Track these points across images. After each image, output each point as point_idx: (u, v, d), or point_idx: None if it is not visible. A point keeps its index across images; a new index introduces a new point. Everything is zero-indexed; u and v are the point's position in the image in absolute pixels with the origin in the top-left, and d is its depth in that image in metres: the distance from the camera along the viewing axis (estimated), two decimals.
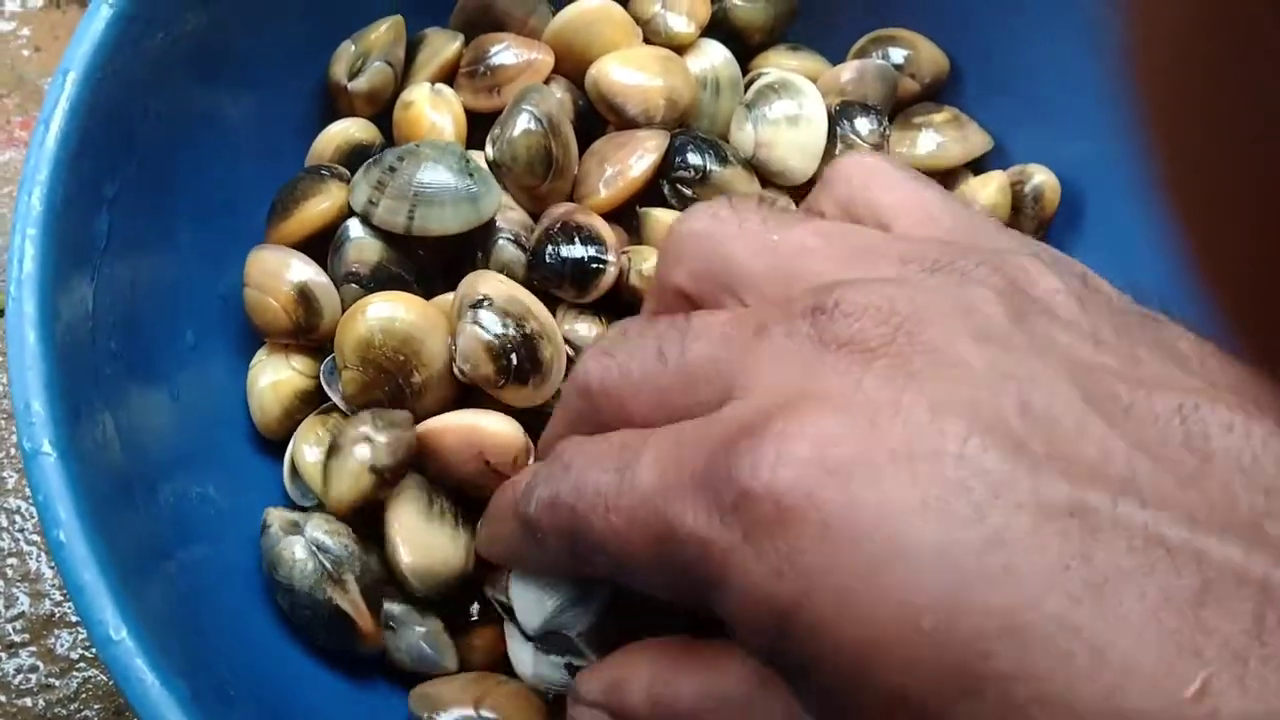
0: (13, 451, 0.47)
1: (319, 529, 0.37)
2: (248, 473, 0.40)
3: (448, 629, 0.38)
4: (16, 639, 0.44)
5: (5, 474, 0.46)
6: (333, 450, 0.37)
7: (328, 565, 0.36)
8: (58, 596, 0.45)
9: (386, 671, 0.38)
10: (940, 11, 0.48)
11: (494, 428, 0.37)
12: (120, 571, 0.29)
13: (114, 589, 0.28)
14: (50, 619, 0.44)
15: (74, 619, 0.44)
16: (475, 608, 0.39)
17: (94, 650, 0.44)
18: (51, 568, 0.45)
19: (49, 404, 0.29)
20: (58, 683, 0.43)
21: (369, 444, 0.36)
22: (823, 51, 0.49)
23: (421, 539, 0.37)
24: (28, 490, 0.46)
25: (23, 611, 0.44)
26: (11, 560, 0.45)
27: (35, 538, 0.45)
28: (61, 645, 0.44)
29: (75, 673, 0.43)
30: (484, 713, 0.36)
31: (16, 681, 0.43)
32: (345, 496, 0.36)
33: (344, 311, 0.39)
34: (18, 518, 0.46)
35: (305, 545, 0.36)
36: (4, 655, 0.43)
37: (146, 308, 0.36)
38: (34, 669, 0.43)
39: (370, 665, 0.38)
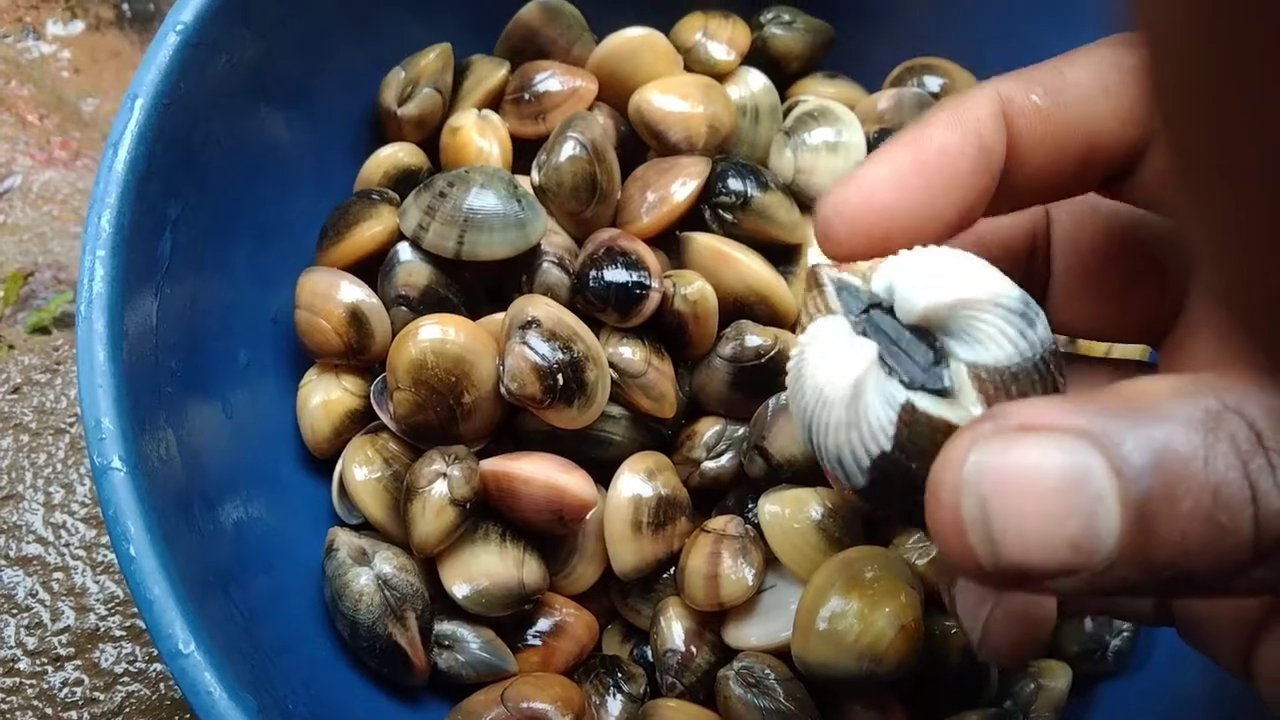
0: (59, 468, 0.48)
1: (388, 563, 0.38)
2: (296, 491, 0.41)
3: (500, 636, 0.39)
4: (63, 652, 0.44)
5: (53, 489, 0.47)
6: (410, 494, 0.38)
7: (392, 602, 0.37)
8: (103, 611, 0.45)
9: (433, 688, 0.39)
10: (975, 39, 0.49)
11: (574, 488, 0.38)
12: (187, 587, 0.29)
13: (182, 604, 0.29)
14: (95, 633, 0.45)
15: (119, 633, 0.45)
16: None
17: (138, 665, 0.44)
18: (97, 582, 0.46)
19: (118, 420, 0.30)
20: (102, 696, 0.44)
21: (444, 479, 0.37)
22: (859, 79, 0.50)
23: (470, 564, 0.38)
24: (74, 506, 0.47)
25: (68, 626, 0.45)
26: (58, 575, 0.46)
27: (81, 552, 0.46)
28: (106, 659, 0.44)
29: (120, 687, 0.44)
30: (509, 702, 0.37)
31: (62, 695, 0.43)
32: (432, 535, 0.37)
33: (394, 333, 0.40)
34: (64, 532, 0.46)
35: (372, 578, 0.37)
36: (50, 669, 0.44)
37: (204, 327, 0.37)
38: (79, 682, 0.44)
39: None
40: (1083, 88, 0.25)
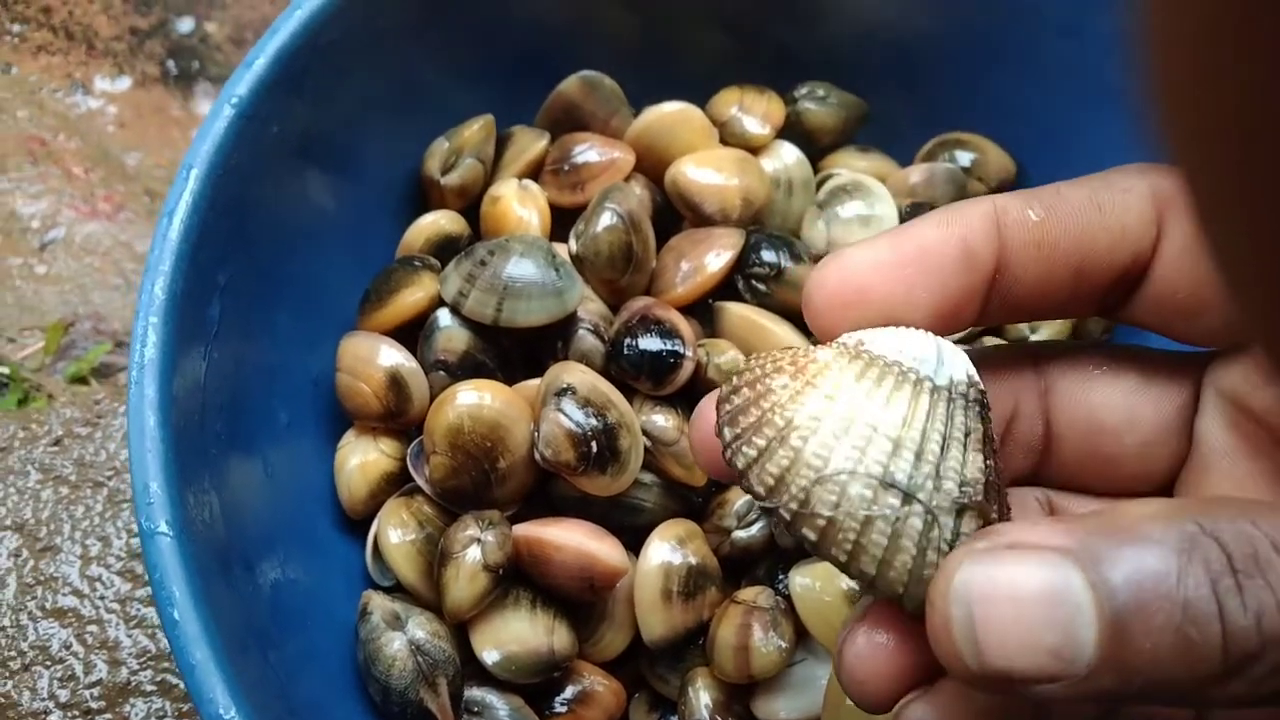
0: (97, 520, 0.48)
1: (421, 629, 0.38)
2: (331, 551, 0.41)
3: (527, 703, 0.39)
4: (94, 705, 0.45)
5: (90, 542, 0.48)
6: (444, 559, 0.38)
7: (424, 668, 0.37)
8: (135, 665, 0.46)
9: None
10: (1007, 115, 0.50)
11: (606, 556, 0.39)
12: (227, 650, 0.30)
13: (223, 668, 0.29)
14: (127, 687, 0.45)
15: (149, 688, 0.45)
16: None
17: None
18: (130, 636, 0.46)
19: (166, 485, 0.31)
20: None
21: (479, 545, 0.38)
22: (891, 153, 0.50)
23: (501, 630, 0.38)
24: (110, 559, 0.47)
25: (100, 679, 0.45)
26: (91, 628, 0.46)
27: (115, 606, 0.47)
28: (137, 714, 0.45)
29: None
30: None
31: None
32: (465, 601, 0.38)
33: (432, 398, 0.41)
34: (99, 585, 0.47)
35: (405, 644, 0.37)
36: None
37: (248, 390, 0.38)
38: None
39: None
40: (1077, 203, 0.26)
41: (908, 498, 0.23)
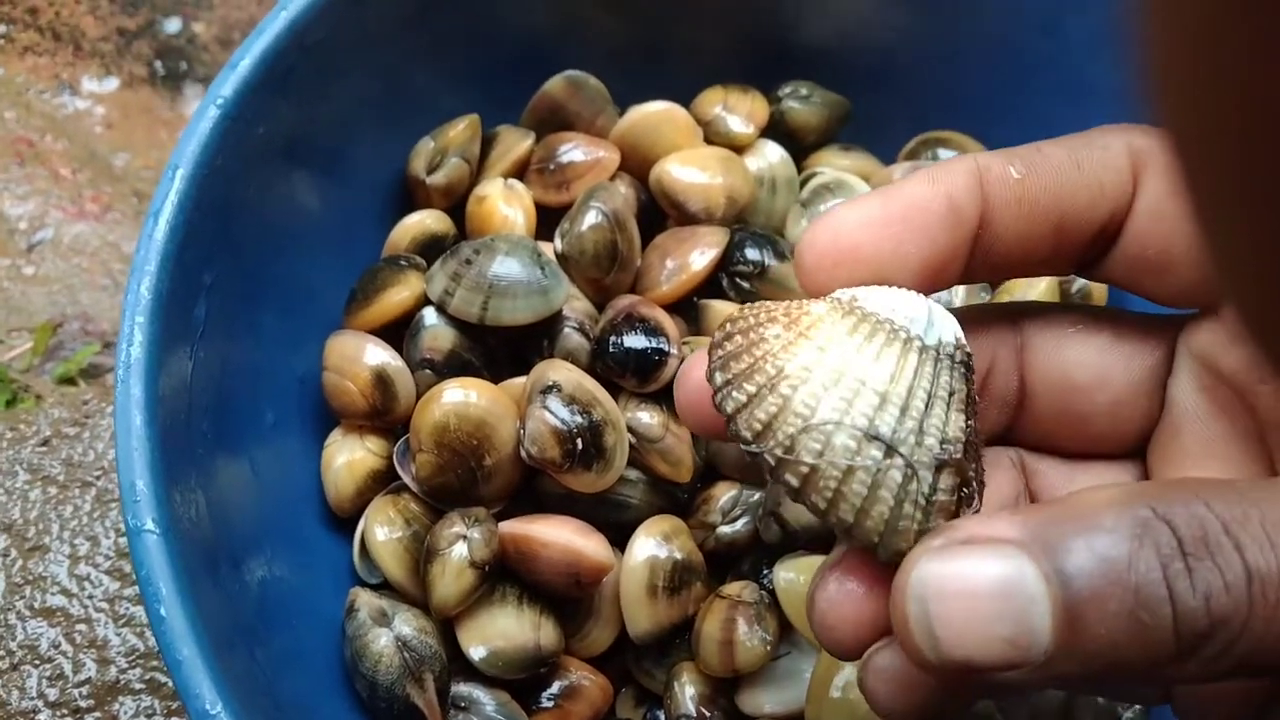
0: (85, 520, 0.48)
1: (408, 625, 0.38)
2: (318, 549, 0.41)
3: (514, 698, 0.40)
4: (83, 704, 0.45)
5: (78, 541, 0.48)
6: (430, 556, 0.38)
7: (411, 664, 0.37)
8: (123, 664, 0.46)
9: None
10: (988, 113, 0.50)
11: (592, 552, 0.39)
12: (214, 646, 0.30)
13: (210, 664, 0.29)
14: (115, 685, 0.45)
15: (138, 686, 0.45)
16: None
17: (156, 719, 0.45)
18: (118, 634, 0.46)
19: (153, 483, 0.31)
20: None
21: (464, 541, 0.38)
22: (874, 152, 0.51)
23: (487, 626, 0.39)
24: (98, 559, 0.47)
25: (89, 678, 0.45)
26: (80, 626, 0.46)
27: (104, 605, 0.47)
28: (125, 712, 0.45)
29: None
30: None
31: None
32: (452, 597, 0.38)
33: (418, 396, 0.41)
34: (88, 584, 0.47)
35: (392, 640, 0.38)
36: None
37: (234, 389, 0.38)
38: None
39: None
40: (1057, 161, 0.27)
41: (890, 450, 0.24)
